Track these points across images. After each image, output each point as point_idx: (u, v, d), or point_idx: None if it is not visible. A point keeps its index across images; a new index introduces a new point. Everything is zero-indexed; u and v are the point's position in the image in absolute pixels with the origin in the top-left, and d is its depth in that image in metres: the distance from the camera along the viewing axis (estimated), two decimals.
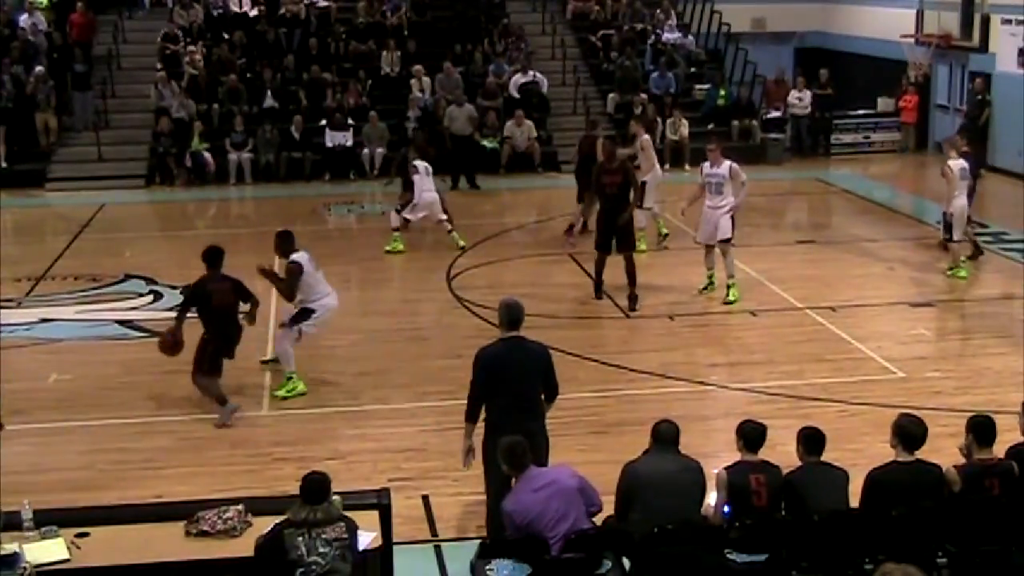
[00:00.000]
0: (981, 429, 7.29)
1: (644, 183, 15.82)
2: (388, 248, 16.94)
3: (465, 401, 8.08)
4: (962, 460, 7.34)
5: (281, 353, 11.52)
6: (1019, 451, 7.39)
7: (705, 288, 14.37)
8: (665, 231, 17.21)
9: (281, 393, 11.42)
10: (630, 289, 13.98)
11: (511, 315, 8.01)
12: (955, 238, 15.25)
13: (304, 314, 11.40)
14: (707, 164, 14.20)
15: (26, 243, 18.38)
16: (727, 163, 14.02)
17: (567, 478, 6.96)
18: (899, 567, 4.77)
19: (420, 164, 16.92)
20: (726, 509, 7.15)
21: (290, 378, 11.47)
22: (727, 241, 13.99)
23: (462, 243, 16.96)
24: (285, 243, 11.44)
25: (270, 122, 22.84)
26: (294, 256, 11.29)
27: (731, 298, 14.07)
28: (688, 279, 14.43)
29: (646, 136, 17.26)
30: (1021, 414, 7.61)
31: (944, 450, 7.77)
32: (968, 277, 15.30)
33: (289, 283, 11.31)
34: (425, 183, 16.77)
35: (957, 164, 15.12)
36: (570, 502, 6.84)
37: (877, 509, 7.00)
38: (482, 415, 8.05)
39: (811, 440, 7.28)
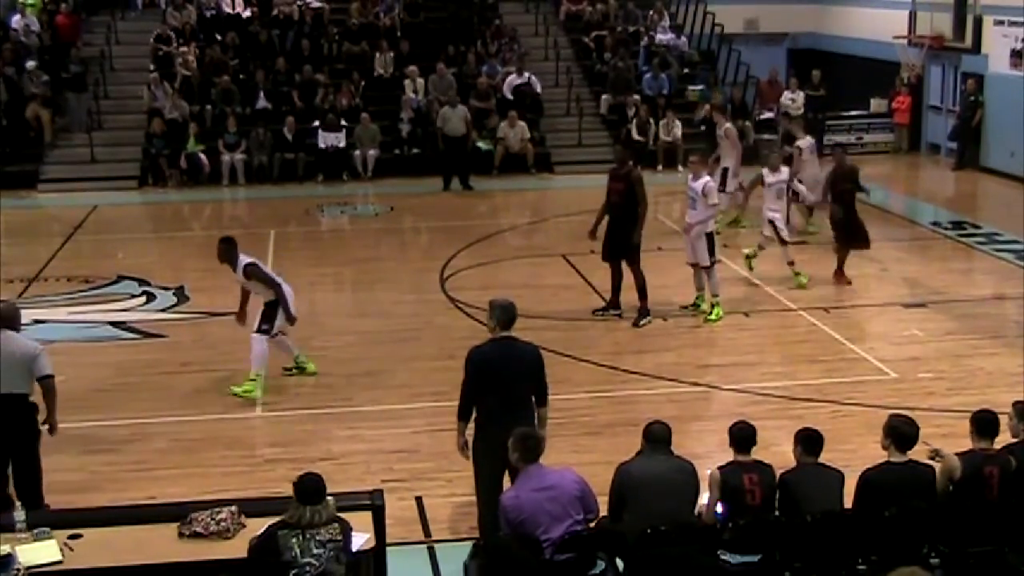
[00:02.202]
0: (983, 423, 7.40)
1: (726, 169, 17.59)
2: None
3: (457, 402, 8.09)
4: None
5: (257, 355, 11.25)
6: (1012, 450, 7.42)
7: (688, 307, 13.92)
8: (744, 224, 17.68)
9: (238, 390, 11.23)
10: (640, 303, 13.51)
11: (505, 315, 8.01)
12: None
13: (272, 308, 11.27)
14: (690, 175, 13.74)
15: (19, 244, 18.32)
16: (704, 179, 13.44)
17: (569, 484, 6.94)
18: (911, 570, 4.75)
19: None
20: (719, 508, 7.16)
21: (254, 380, 11.25)
22: (707, 267, 13.59)
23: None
24: (232, 249, 11.33)
25: (263, 123, 22.83)
26: (244, 260, 11.28)
27: (713, 316, 13.59)
28: (683, 279, 14.38)
29: (728, 124, 18.16)
30: (1012, 416, 7.64)
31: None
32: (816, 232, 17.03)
33: (268, 283, 11.26)
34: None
35: (806, 142, 17.59)
36: (566, 509, 6.83)
37: (870, 510, 7.02)
38: (472, 415, 8.08)
39: (809, 441, 7.29)
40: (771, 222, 14.91)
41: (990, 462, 7.25)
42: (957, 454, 7.32)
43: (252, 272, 11.29)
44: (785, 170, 15.33)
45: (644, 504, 6.93)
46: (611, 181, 13.44)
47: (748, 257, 15.24)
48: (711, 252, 13.47)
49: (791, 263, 14.98)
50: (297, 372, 11.94)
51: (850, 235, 15.08)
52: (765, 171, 15.23)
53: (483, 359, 7.97)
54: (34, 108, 22.80)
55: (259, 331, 11.27)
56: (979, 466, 7.23)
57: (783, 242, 14.94)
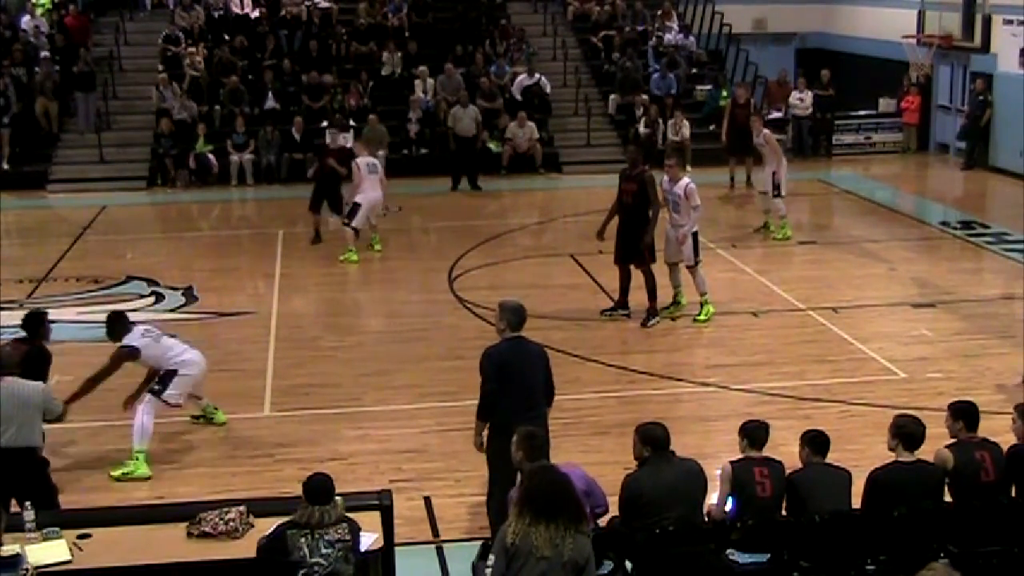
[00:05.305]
0: (967, 414, 7.46)
1: (775, 173, 17.24)
2: None
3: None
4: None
5: (138, 427, 9.76)
6: (1018, 452, 7.41)
7: (668, 307, 13.73)
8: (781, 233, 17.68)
9: (116, 473, 9.67)
10: (649, 303, 13.42)
11: (516, 317, 8.04)
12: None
13: (168, 377, 9.91)
14: (665, 179, 13.40)
15: (28, 245, 18.40)
16: (684, 181, 13.14)
17: (575, 480, 6.92)
18: (943, 566, 4.74)
19: None
20: (729, 502, 7.15)
21: (136, 458, 9.75)
22: (692, 266, 13.48)
23: None
24: (119, 325, 9.96)
25: (271, 123, 22.85)
26: (125, 340, 9.84)
27: (702, 316, 13.52)
28: (686, 280, 14.36)
29: (767, 130, 17.97)
30: (1016, 417, 7.59)
31: None
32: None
33: (110, 369, 9.83)
34: None
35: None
36: None
37: (879, 509, 7.01)
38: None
39: (816, 441, 7.29)
40: None
41: (980, 447, 7.33)
42: (947, 446, 7.36)
43: (120, 356, 9.87)
44: None
45: (656, 514, 6.86)
46: (623, 182, 13.31)
47: None
48: (696, 252, 13.39)
49: None
50: (204, 421, 10.83)
51: None
52: None
53: (502, 358, 7.98)
54: (43, 102, 22.83)
55: (150, 391, 9.91)
56: (970, 452, 7.29)
57: None
